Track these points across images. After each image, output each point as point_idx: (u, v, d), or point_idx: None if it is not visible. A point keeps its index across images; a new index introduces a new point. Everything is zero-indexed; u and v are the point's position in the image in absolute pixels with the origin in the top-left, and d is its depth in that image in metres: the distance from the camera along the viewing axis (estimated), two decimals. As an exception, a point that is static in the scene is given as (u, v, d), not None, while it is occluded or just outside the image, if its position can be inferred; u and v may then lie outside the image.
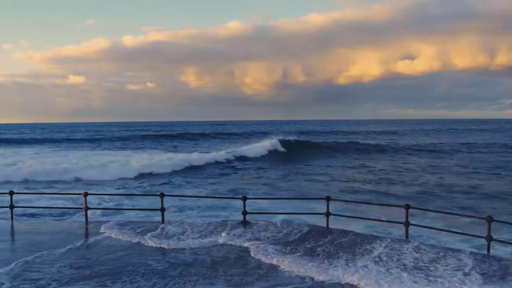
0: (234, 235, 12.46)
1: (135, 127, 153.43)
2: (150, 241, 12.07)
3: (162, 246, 11.72)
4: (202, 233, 12.75)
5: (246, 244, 11.62)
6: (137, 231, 13.11)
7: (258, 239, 12.05)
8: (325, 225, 13.16)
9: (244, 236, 12.39)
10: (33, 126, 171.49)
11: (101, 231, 13.20)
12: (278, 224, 13.73)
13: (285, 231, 12.72)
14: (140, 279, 9.07)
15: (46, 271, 9.55)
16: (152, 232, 12.87)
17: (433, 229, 13.75)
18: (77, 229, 13.79)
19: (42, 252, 10.93)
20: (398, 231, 14.52)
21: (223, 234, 12.50)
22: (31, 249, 11.29)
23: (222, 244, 11.78)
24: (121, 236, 12.56)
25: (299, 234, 12.39)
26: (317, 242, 11.66)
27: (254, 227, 13.16)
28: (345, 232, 12.51)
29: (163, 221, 14.06)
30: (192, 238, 12.28)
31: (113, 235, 12.70)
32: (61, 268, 9.80)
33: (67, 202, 21.10)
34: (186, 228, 13.25)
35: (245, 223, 13.51)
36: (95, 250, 11.31)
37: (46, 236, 12.74)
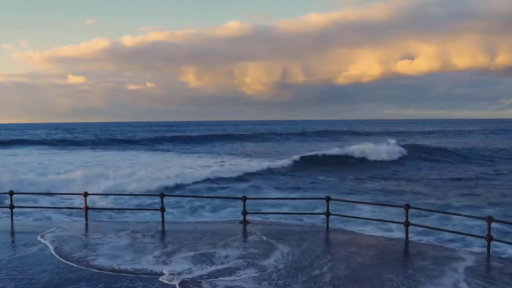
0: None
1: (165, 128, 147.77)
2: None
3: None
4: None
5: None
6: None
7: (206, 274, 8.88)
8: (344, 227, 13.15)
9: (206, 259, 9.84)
10: (49, 126, 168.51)
11: (38, 238, 12.04)
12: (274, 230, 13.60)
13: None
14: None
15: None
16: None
17: (434, 229, 13.76)
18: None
19: None
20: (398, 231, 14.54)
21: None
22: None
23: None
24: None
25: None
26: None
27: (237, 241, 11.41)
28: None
29: (163, 221, 14.05)
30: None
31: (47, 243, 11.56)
32: None
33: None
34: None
35: (245, 223, 13.51)
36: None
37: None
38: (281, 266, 9.39)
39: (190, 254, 10.36)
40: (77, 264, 9.67)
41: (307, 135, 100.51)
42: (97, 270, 9.26)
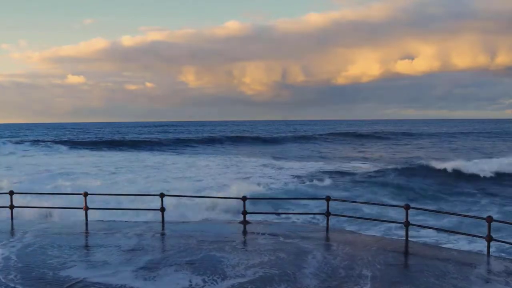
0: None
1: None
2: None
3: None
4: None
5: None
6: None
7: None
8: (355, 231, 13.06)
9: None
10: (74, 126, 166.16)
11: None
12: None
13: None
14: None
15: None
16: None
17: (434, 229, 13.76)
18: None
19: None
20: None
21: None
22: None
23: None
24: None
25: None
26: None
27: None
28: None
29: (163, 221, 14.04)
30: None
31: None
32: None
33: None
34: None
35: (245, 223, 13.50)
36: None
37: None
38: (310, 277, 8.49)
39: (187, 260, 9.58)
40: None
41: (348, 135, 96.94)
42: None
